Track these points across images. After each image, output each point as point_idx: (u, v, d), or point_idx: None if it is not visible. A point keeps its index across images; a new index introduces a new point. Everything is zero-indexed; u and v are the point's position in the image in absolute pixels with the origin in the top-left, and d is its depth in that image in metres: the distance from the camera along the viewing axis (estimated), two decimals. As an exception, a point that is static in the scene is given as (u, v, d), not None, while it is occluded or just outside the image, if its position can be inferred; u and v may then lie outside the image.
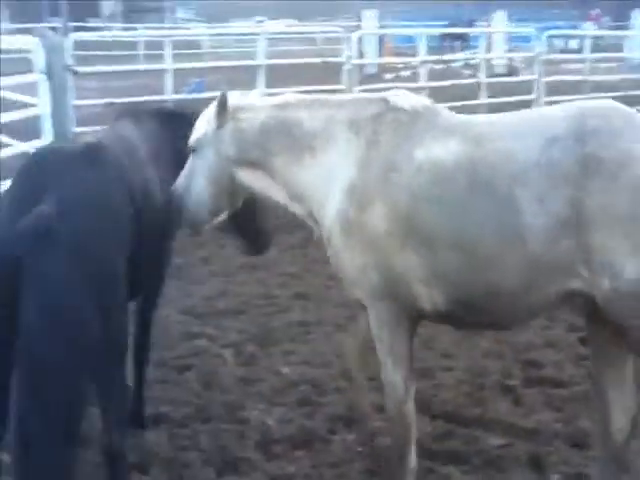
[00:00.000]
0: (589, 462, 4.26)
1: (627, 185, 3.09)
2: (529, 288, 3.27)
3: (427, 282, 3.41)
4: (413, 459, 3.76)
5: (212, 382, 5.21)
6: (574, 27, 33.59)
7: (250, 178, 3.89)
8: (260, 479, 4.14)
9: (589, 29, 33.66)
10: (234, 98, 3.91)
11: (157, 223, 4.07)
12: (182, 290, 6.71)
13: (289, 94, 4.01)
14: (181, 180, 4.02)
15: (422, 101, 3.74)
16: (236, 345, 5.76)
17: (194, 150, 3.96)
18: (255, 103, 3.95)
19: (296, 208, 3.84)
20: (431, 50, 14.47)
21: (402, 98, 3.69)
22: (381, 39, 26.00)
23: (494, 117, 3.69)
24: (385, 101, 3.69)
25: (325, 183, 3.64)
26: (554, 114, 3.41)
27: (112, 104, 11.12)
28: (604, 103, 3.47)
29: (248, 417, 4.75)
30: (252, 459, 4.31)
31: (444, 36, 30.64)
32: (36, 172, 3.55)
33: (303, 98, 3.92)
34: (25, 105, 9.47)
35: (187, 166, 4.01)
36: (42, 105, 9.09)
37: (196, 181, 3.95)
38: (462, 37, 31.45)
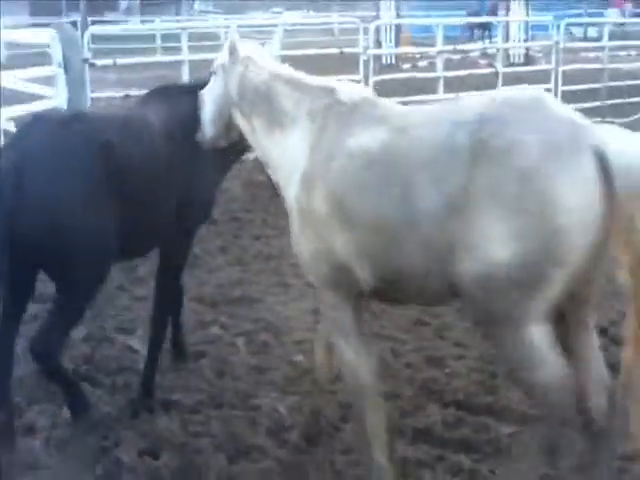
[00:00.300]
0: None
1: (508, 174, 3.10)
2: (428, 270, 3.35)
3: (360, 264, 3.53)
4: (383, 442, 3.82)
5: (225, 370, 5.24)
6: (597, 14, 33.30)
7: (242, 123, 4.15)
8: (271, 466, 4.15)
9: (612, 16, 33.46)
10: (251, 47, 4.22)
11: (150, 188, 4.47)
12: (197, 278, 6.75)
13: (290, 68, 4.16)
14: (204, 91, 4.37)
15: (362, 93, 3.90)
16: (249, 334, 5.78)
17: (214, 72, 4.28)
18: (264, 61, 4.16)
19: (269, 173, 4.14)
20: (448, 40, 14.39)
21: (344, 90, 3.86)
22: (398, 29, 25.90)
23: (427, 107, 3.83)
24: (333, 91, 3.85)
25: (288, 164, 3.86)
26: (473, 102, 3.50)
27: (129, 96, 11.19)
28: (527, 93, 3.46)
29: (260, 405, 4.77)
30: (264, 446, 4.33)
31: (471, 26, 30.47)
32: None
33: (294, 76, 4.07)
34: (42, 97, 9.56)
35: (210, 82, 4.34)
36: (59, 97, 9.17)
37: (208, 99, 4.32)
38: (486, 26, 31.13)
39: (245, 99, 4.08)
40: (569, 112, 3.25)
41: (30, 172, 4.00)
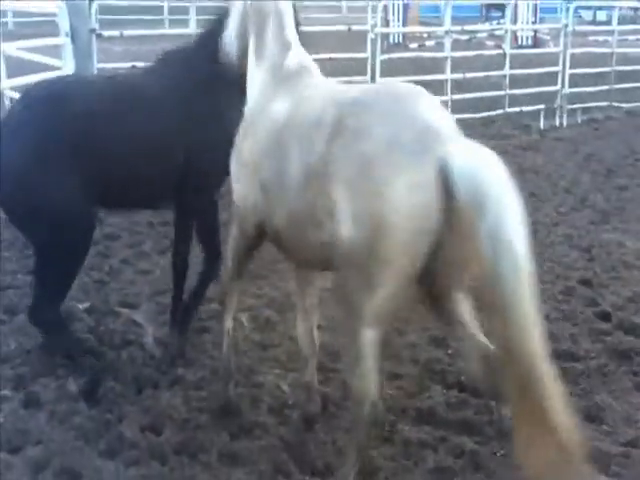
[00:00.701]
0: (603, 436, 4.27)
1: (353, 156, 3.19)
2: (303, 235, 3.53)
3: (264, 212, 3.85)
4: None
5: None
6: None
7: (249, 42, 4.32)
8: (273, 443, 4.16)
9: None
10: None
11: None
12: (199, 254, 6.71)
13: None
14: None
15: (305, 62, 4.09)
16: (253, 310, 5.78)
17: None
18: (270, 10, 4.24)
19: None
20: (456, 20, 14.28)
21: (294, 55, 4.09)
22: (406, 8, 25.73)
23: (341, 86, 3.89)
24: (287, 54, 4.09)
25: (249, 101, 4.17)
26: (363, 86, 3.78)
27: (135, 67, 11.12)
28: (410, 89, 3.45)
29: (263, 382, 4.78)
30: (266, 423, 4.34)
31: (488, 6, 30.06)
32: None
33: (286, 22, 4.22)
34: (50, 67, 9.51)
35: None
36: (66, 68, 9.11)
37: (234, 13, 4.46)
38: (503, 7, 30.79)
39: (252, 17, 4.27)
40: (436, 116, 3.23)
41: None
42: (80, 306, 5.72)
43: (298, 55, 4.10)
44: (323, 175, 3.29)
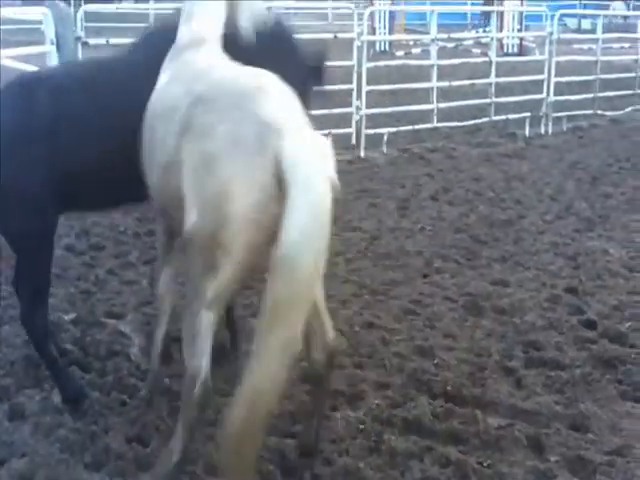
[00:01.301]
0: (589, 445, 4.29)
1: (200, 153, 3.32)
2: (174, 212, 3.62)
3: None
4: None
5: (216, 356, 5.21)
6: (592, 7, 33.16)
7: None
8: (260, 453, 4.14)
9: (620, 9, 33.30)
10: None
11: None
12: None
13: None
14: None
15: (203, 35, 4.14)
16: (240, 319, 5.76)
17: None
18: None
19: None
20: (443, 28, 14.33)
21: (198, 29, 4.16)
22: (392, 16, 25.81)
23: (206, 66, 3.85)
24: (193, 30, 4.17)
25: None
26: (220, 69, 3.74)
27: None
28: (256, 80, 3.50)
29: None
30: (253, 434, 4.32)
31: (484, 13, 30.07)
32: None
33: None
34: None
35: None
36: (51, 76, 9.09)
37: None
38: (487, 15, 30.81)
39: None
40: (276, 110, 3.30)
41: None
42: (66, 317, 5.71)
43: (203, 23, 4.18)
44: (176, 165, 3.45)
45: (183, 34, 4.18)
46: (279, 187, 3.14)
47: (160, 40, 4.49)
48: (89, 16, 16.48)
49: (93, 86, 4.49)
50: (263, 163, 3.17)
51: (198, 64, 3.88)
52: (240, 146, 3.22)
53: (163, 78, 3.98)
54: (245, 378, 3.19)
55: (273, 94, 3.39)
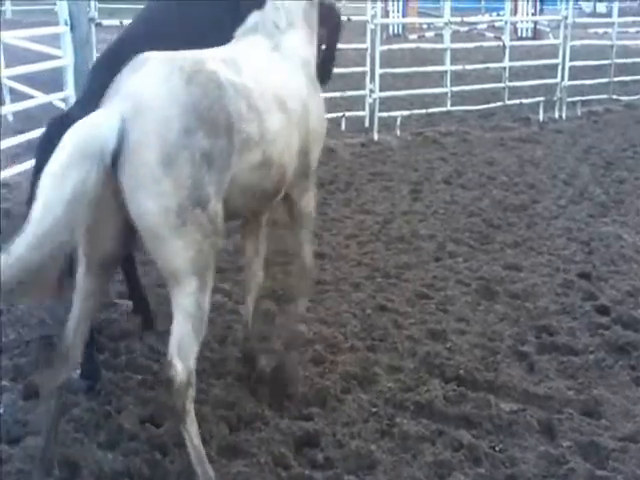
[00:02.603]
0: (601, 431, 4.28)
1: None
2: None
3: None
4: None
5: (227, 337, 5.25)
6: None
7: None
8: (273, 435, 4.16)
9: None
10: None
11: None
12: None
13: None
14: None
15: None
16: (254, 302, 5.76)
17: None
18: None
19: None
20: (456, 11, 14.25)
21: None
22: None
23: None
24: None
25: None
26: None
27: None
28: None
29: (263, 374, 4.78)
30: (265, 415, 4.34)
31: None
32: None
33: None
34: (49, 57, 9.48)
35: None
36: (65, 57, 9.09)
37: None
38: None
39: None
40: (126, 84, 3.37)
41: None
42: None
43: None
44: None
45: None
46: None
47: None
48: (102, -3, 16.50)
49: None
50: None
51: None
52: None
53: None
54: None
55: (137, 70, 3.46)
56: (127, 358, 4.91)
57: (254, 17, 4.36)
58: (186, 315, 3.39)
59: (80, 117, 3.33)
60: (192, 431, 3.57)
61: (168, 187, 3.22)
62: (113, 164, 3.19)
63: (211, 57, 3.71)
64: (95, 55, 9.56)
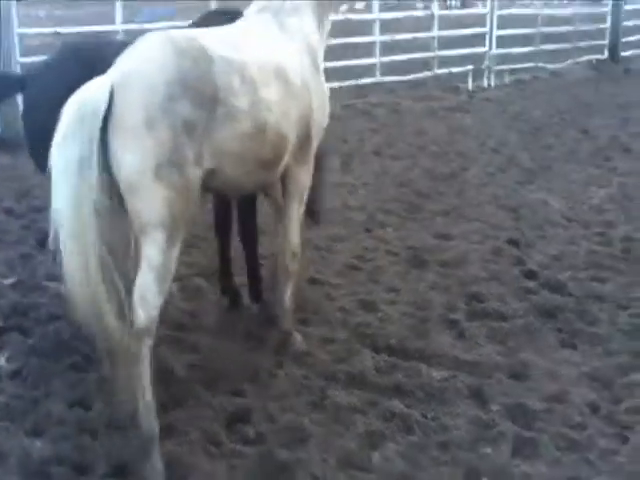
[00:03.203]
0: (528, 393, 4.36)
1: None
2: None
3: None
4: None
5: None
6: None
7: None
8: (206, 413, 4.14)
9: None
10: None
11: None
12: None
13: None
14: None
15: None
16: (182, 279, 5.72)
17: None
18: None
19: None
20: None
21: None
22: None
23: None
24: None
25: None
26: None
27: (59, 33, 10.84)
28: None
29: (193, 350, 4.75)
30: (197, 392, 4.32)
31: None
32: None
33: None
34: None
35: None
36: (-17, 33, 8.85)
37: None
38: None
39: None
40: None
41: None
42: (5, 282, 5.61)
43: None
44: None
45: None
46: None
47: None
48: None
49: None
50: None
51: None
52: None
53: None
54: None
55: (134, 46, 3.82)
56: (55, 341, 4.82)
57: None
58: (151, 266, 3.63)
59: None
60: (144, 378, 3.68)
61: (149, 146, 3.52)
62: (104, 126, 3.51)
63: (208, 35, 4.01)
64: (16, 30, 9.34)
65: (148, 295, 3.63)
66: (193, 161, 3.65)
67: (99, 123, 3.48)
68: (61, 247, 3.47)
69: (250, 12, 4.63)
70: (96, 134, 3.48)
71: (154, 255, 3.63)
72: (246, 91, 3.93)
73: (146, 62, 3.66)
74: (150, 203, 3.59)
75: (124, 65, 3.65)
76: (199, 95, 3.67)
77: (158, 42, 3.76)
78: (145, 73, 3.61)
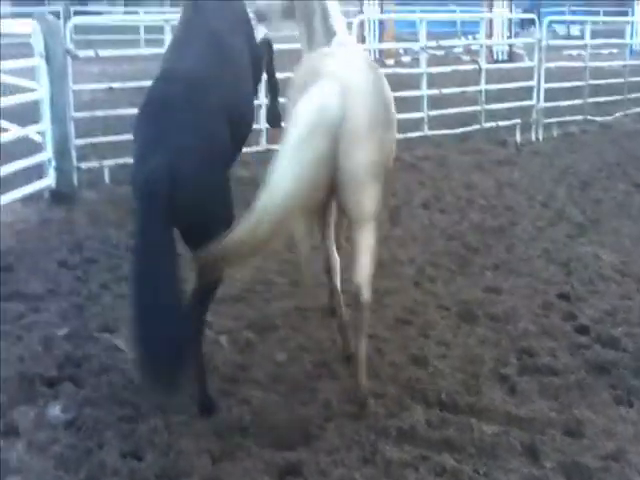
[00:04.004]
0: (583, 450, 4.29)
1: None
2: None
3: None
4: None
5: (208, 368, 5.22)
6: (580, 13, 33.30)
7: None
8: (256, 466, 4.15)
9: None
10: None
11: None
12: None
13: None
14: None
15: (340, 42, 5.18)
16: (232, 331, 5.77)
17: None
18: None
19: None
20: (432, 36, 14.36)
21: (335, 41, 5.16)
22: (382, 24, 25.88)
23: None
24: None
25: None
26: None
27: (111, 89, 11.11)
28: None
29: (244, 403, 4.76)
30: (249, 446, 4.32)
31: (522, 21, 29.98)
32: None
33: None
34: (25, 89, 9.48)
35: None
36: (41, 89, 9.09)
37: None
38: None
39: (300, 11, 5.55)
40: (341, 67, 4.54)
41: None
42: (58, 332, 5.70)
43: (341, 39, 5.17)
44: None
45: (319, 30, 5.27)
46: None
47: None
48: (78, 29, 16.52)
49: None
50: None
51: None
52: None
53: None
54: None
55: (342, 58, 4.79)
56: (107, 392, 4.87)
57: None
58: (368, 247, 4.48)
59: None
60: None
61: (373, 145, 4.34)
62: None
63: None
64: (71, 87, 9.60)
65: (366, 269, 4.51)
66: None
67: (337, 127, 4.19)
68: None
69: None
70: (334, 136, 4.18)
71: (370, 239, 4.48)
72: None
73: (362, 78, 4.48)
74: (371, 195, 4.41)
75: (343, 79, 4.35)
76: (388, 106, 4.70)
77: (359, 58, 4.84)
78: (364, 89, 4.41)
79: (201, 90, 4.43)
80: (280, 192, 4.04)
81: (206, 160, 4.30)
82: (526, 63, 18.03)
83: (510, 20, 23.53)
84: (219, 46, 4.85)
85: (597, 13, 34.71)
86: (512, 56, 23.81)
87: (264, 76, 5.93)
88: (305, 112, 4.20)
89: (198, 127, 4.31)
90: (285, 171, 4.06)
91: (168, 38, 10.97)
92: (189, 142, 4.23)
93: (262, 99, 10.20)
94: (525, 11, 29.24)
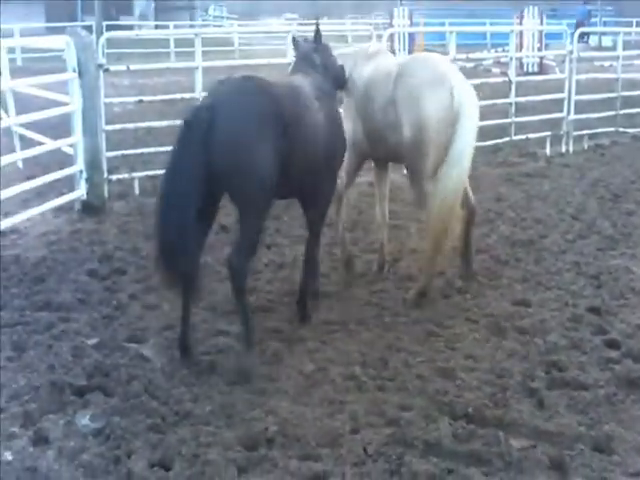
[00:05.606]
0: (613, 467, 4.25)
1: (408, 88, 6.61)
2: (384, 140, 6.90)
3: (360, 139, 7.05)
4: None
5: (236, 379, 5.25)
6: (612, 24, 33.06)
7: None
8: (283, 477, 4.16)
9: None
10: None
11: (309, 146, 5.75)
12: (208, 287, 6.73)
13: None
14: None
15: (377, 48, 7.58)
16: (261, 343, 5.78)
17: None
18: None
19: None
20: (462, 48, 14.35)
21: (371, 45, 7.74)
22: (412, 36, 25.90)
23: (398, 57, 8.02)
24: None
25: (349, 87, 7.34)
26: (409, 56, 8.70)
27: (142, 101, 11.22)
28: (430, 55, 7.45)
29: (272, 415, 4.78)
30: (275, 457, 4.34)
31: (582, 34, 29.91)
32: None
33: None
34: (58, 103, 9.62)
35: None
36: (73, 103, 9.22)
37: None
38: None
39: None
40: (447, 67, 6.74)
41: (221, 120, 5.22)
42: (88, 342, 5.76)
43: (375, 44, 7.33)
44: (392, 102, 6.50)
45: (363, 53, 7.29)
46: (454, 115, 6.33)
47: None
48: (110, 43, 16.71)
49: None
50: (443, 91, 6.36)
51: (391, 58, 7.33)
52: (429, 82, 6.42)
53: (368, 68, 6.93)
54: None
55: (444, 62, 7.00)
56: (136, 402, 4.91)
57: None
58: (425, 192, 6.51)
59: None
60: None
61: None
62: None
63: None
64: (103, 100, 9.72)
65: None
66: None
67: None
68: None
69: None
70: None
71: (424, 188, 6.49)
72: None
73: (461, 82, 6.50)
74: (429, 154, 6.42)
75: (450, 82, 6.39)
76: None
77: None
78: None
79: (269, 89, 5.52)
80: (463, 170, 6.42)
81: (250, 128, 5.24)
82: (557, 75, 17.95)
83: (540, 32, 23.41)
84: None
85: (630, 24, 34.47)
86: (542, 68, 23.69)
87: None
88: (476, 107, 6.47)
89: (251, 102, 5.37)
90: (469, 151, 6.38)
91: (198, 51, 11.09)
92: (237, 104, 5.32)
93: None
94: (577, 24, 29.00)
